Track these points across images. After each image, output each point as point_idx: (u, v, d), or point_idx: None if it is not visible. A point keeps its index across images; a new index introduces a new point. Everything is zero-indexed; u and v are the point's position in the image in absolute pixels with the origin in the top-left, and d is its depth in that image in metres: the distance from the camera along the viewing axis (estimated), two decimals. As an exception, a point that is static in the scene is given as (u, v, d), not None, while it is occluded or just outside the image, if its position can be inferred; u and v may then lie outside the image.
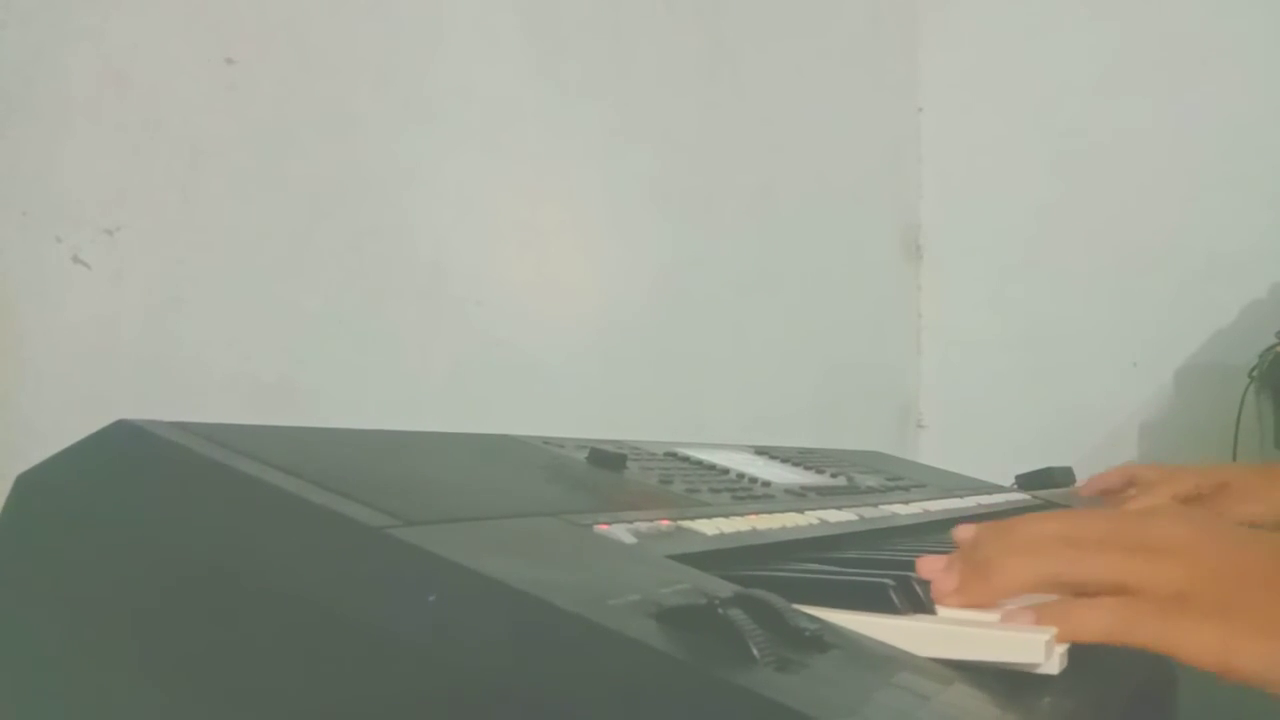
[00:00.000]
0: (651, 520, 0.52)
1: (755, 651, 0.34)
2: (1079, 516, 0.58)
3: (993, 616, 0.48)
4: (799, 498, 0.74)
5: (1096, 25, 1.93)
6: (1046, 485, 1.22)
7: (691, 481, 0.69)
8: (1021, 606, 0.48)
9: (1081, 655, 0.46)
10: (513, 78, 1.14)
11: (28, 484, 0.45)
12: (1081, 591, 0.50)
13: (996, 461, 1.37)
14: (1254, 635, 0.47)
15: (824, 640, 0.38)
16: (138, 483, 0.44)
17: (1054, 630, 0.44)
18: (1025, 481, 1.24)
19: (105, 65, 0.78)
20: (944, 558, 0.53)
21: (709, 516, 0.57)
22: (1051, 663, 0.42)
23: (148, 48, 0.81)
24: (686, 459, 0.79)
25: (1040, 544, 0.53)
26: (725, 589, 0.42)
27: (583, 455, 0.67)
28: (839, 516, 0.70)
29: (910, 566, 0.52)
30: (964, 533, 0.57)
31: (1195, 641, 0.47)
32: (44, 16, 0.75)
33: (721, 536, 0.54)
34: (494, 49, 1.12)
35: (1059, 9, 1.96)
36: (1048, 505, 1.12)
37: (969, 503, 0.97)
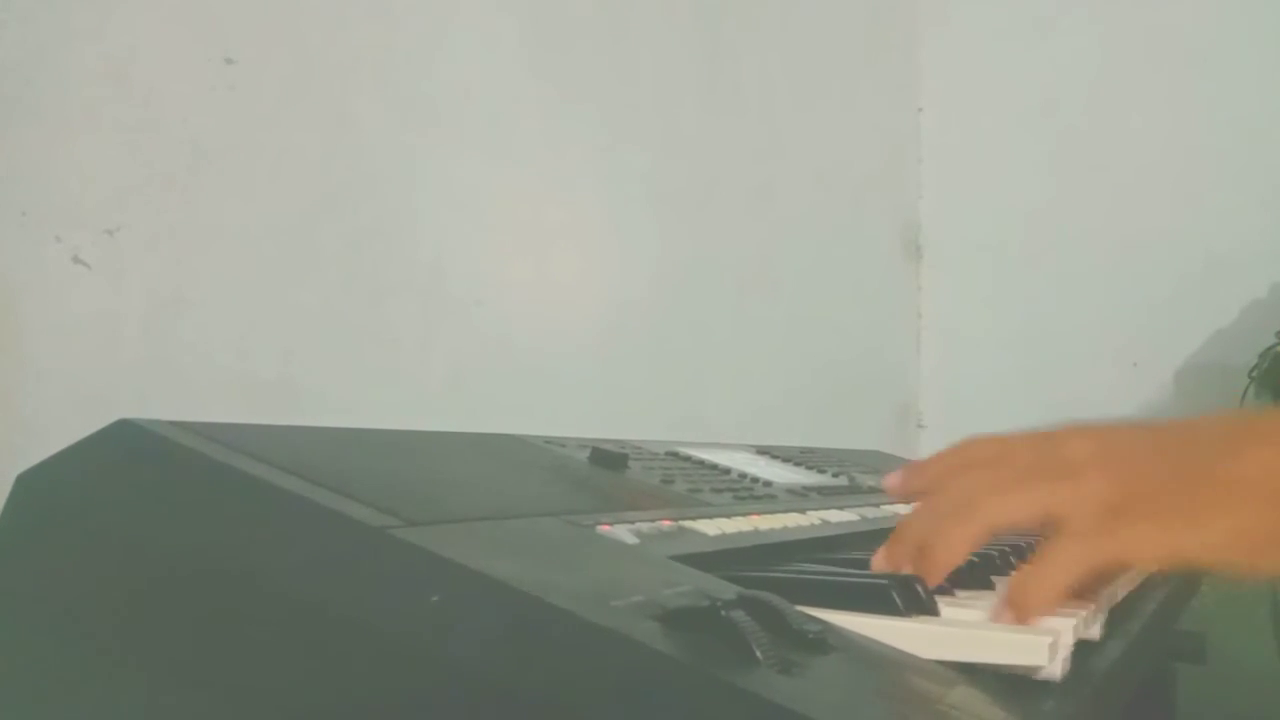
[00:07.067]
0: (653, 520, 0.52)
1: (758, 653, 0.34)
2: (993, 456, 0.60)
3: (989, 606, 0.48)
4: (801, 498, 0.74)
5: (1096, 25, 1.93)
6: None
7: (693, 481, 0.69)
8: (997, 604, 0.49)
9: (1083, 656, 0.46)
10: (512, 78, 1.13)
11: (28, 484, 0.45)
12: (1016, 530, 0.54)
13: (996, 461, 1.36)
14: (1189, 528, 0.51)
15: (827, 642, 0.38)
16: (139, 482, 0.44)
17: (1056, 633, 0.44)
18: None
19: (105, 65, 0.78)
20: (883, 550, 0.54)
21: (711, 517, 0.57)
22: (1055, 666, 0.42)
23: (148, 48, 0.81)
24: (688, 459, 0.79)
25: (969, 504, 0.54)
26: (728, 590, 0.41)
27: (584, 455, 0.67)
28: (841, 517, 0.70)
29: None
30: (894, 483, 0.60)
31: (1144, 544, 0.51)
32: (44, 16, 0.75)
33: (724, 537, 0.54)
34: (493, 49, 1.12)
35: (1059, 9, 1.96)
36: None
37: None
